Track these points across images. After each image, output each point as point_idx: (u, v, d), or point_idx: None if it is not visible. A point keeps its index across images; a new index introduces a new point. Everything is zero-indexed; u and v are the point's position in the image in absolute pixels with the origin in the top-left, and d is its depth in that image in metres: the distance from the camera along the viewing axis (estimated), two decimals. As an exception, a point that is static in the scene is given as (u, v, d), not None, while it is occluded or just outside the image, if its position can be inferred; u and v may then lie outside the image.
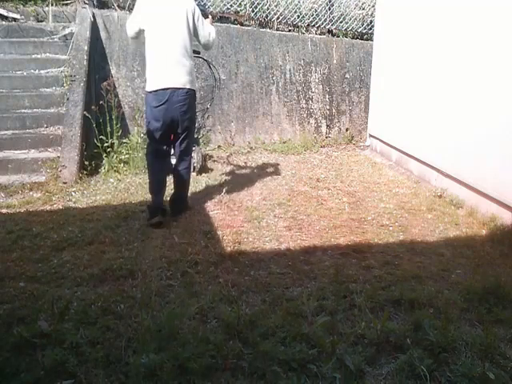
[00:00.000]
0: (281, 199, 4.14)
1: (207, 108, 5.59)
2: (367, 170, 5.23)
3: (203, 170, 4.98)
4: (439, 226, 3.63)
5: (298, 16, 6.46)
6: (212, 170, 5.08)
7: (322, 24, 6.56)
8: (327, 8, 6.56)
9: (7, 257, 2.95)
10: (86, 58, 5.19)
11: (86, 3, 5.65)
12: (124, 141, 4.99)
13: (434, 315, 2.33)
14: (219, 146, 6.00)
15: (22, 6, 5.82)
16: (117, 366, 1.93)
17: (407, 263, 2.98)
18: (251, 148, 6.09)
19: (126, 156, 4.86)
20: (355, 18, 6.73)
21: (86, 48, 5.24)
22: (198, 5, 5.84)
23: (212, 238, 3.30)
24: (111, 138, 4.83)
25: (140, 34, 3.59)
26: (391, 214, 3.85)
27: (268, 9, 6.26)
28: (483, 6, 3.82)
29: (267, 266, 2.92)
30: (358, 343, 2.11)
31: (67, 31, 5.57)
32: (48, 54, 5.54)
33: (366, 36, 6.85)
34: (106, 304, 2.40)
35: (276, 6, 6.27)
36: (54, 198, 4.02)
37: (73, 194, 4.15)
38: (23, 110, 5.00)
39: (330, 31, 6.69)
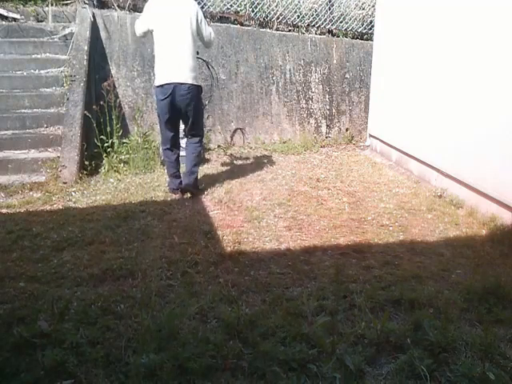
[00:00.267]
0: (281, 199, 4.14)
1: (205, 106, 5.59)
2: (367, 170, 5.22)
3: (202, 164, 5.01)
4: (439, 226, 3.63)
5: (298, 16, 6.45)
6: (212, 170, 5.08)
7: (322, 24, 6.55)
8: (327, 8, 6.56)
9: (7, 257, 2.95)
10: (86, 57, 5.19)
11: (86, 3, 5.64)
12: (124, 141, 4.99)
13: (433, 315, 2.33)
14: (219, 146, 6.00)
15: (22, 6, 5.82)
16: (117, 366, 1.93)
17: (407, 263, 2.98)
18: (251, 148, 6.09)
19: (126, 156, 4.86)
20: (355, 18, 6.73)
21: (86, 48, 5.24)
22: (197, 5, 5.87)
23: (212, 238, 3.30)
24: (111, 137, 4.83)
25: (147, 34, 4.00)
26: (391, 214, 3.85)
27: (268, 9, 6.26)
28: (483, 6, 3.82)
29: (267, 266, 2.92)
30: (358, 343, 2.11)
31: (67, 31, 5.57)
32: (48, 54, 5.54)
33: (366, 36, 6.85)
34: (105, 304, 2.40)
35: (276, 6, 6.27)
36: (54, 198, 4.02)
37: (73, 194, 4.15)
38: (23, 110, 5.00)
39: (330, 31, 6.69)
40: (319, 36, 6.56)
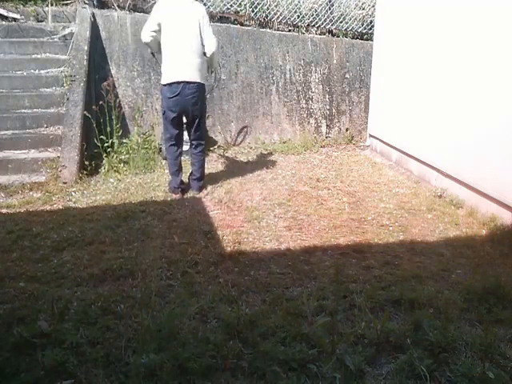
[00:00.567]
0: (281, 199, 4.14)
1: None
2: (367, 170, 5.22)
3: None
4: (439, 226, 3.63)
5: (298, 16, 6.45)
6: (212, 170, 5.08)
7: (322, 24, 6.55)
8: (327, 8, 6.55)
9: (7, 257, 2.95)
10: (86, 57, 5.19)
11: (86, 3, 5.64)
12: (124, 141, 4.99)
13: (434, 315, 2.34)
14: (219, 146, 6.00)
15: (22, 6, 5.82)
16: (117, 366, 1.94)
17: (407, 263, 2.98)
18: (251, 148, 6.09)
19: (126, 156, 4.86)
20: (355, 18, 6.73)
21: (86, 48, 5.24)
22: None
23: (212, 238, 3.30)
24: (111, 137, 4.83)
25: (155, 40, 3.93)
26: (391, 214, 3.85)
27: (268, 9, 6.26)
28: (483, 6, 3.82)
29: (267, 266, 2.92)
30: (358, 343, 2.11)
31: (67, 31, 5.57)
32: (48, 54, 5.54)
33: (366, 36, 6.85)
34: (105, 304, 2.40)
35: (276, 6, 6.27)
36: (54, 198, 4.02)
37: (73, 194, 4.15)
38: (23, 110, 5.00)
39: (330, 31, 6.69)
40: (319, 36, 6.56)
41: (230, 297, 2.48)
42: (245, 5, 6.13)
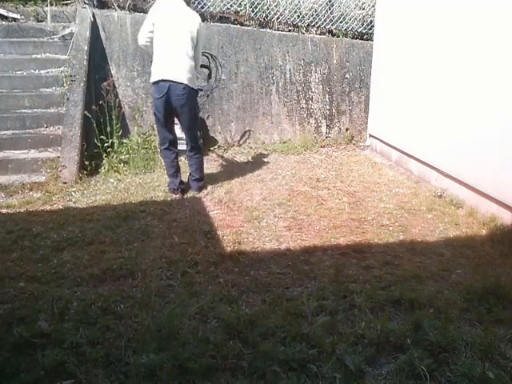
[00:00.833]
0: (281, 199, 4.14)
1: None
2: (367, 170, 5.22)
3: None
4: (439, 226, 3.63)
5: (298, 16, 6.45)
6: (212, 170, 5.08)
7: (322, 24, 6.55)
8: (327, 8, 6.55)
9: (7, 257, 2.95)
10: (86, 57, 5.19)
11: (85, 3, 5.64)
12: (124, 141, 4.99)
13: (434, 315, 2.34)
14: (219, 146, 6.00)
15: (22, 6, 5.82)
16: (117, 366, 1.94)
17: (407, 263, 2.98)
18: (251, 148, 6.09)
19: (126, 156, 4.86)
20: (355, 18, 6.72)
21: (86, 48, 5.24)
22: (197, 5, 5.86)
23: (212, 238, 3.30)
24: (111, 137, 4.83)
25: (150, 44, 3.91)
26: (391, 214, 3.85)
27: (268, 9, 6.25)
28: (483, 6, 3.82)
29: (267, 266, 2.92)
30: (358, 343, 2.11)
31: (67, 31, 5.57)
32: (48, 54, 5.54)
33: (366, 36, 6.84)
34: (105, 304, 2.40)
35: (276, 6, 6.27)
36: (54, 198, 4.02)
37: (73, 193, 4.15)
38: (23, 110, 5.00)
39: (330, 31, 6.68)
40: (319, 36, 6.56)
41: (230, 297, 2.48)
42: (245, 5, 6.12)
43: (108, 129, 4.81)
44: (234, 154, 5.82)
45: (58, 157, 4.51)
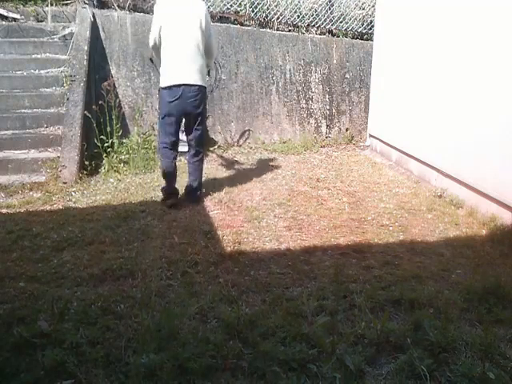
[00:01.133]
0: (281, 199, 4.14)
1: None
2: (367, 170, 5.22)
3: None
4: (439, 225, 3.63)
5: (298, 16, 6.45)
6: (212, 170, 5.08)
7: (322, 24, 6.55)
8: (327, 8, 6.55)
9: (7, 257, 2.95)
10: (86, 57, 5.19)
11: (86, 3, 5.64)
12: (124, 141, 4.99)
13: (434, 315, 2.33)
14: (219, 146, 6.00)
15: (22, 6, 5.82)
16: (117, 366, 1.93)
17: (407, 263, 2.98)
18: (251, 148, 6.09)
19: (126, 156, 4.86)
20: (355, 18, 6.72)
21: (86, 48, 5.24)
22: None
23: (212, 238, 3.30)
24: (111, 137, 4.83)
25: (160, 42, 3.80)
26: (391, 214, 3.85)
27: (268, 9, 6.26)
28: (483, 6, 3.82)
29: (267, 266, 2.92)
30: (358, 343, 2.11)
31: (67, 31, 5.57)
32: (48, 54, 5.54)
33: (366, 36, 6.84)
34: (105, 304, 2.40)
35: (276, 6, 6.27)
36: (54, 198, 4.02)
37: (73, 194, 4.15)
38: (23, 110, 5.00)
39: (330, 31, 6.68)
40: (319, 36, 6.56)
41: (230, 297, 2.48)
42: (245, 5, 6.13)
43: (108, 129, 4.81)
44: (234, 154, 5.83)
45: (58, 157, 4.51)
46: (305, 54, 6.40)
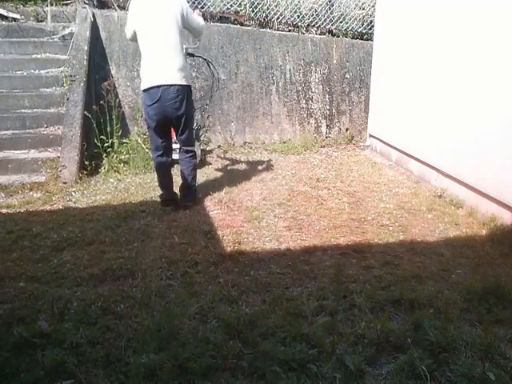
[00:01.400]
0: (281, 199, 4.14)
1: (206, 105, 5.59)
2: (367, 170, 5.22)
3: (202, 165, 5.03)
4: (439, 225, 3.63)
5: (298, 16, 6.45)
6: (212, 170, 5.08)
7: (322, 24, 6.55)
8: (327, 8, 6.55)
9: (7, 257, 2.95)
10: (86, 57, 5.19)
11: (86, 3, 5.65)
12: (124, 141, 4.99)
13: (434, 315, 2.33)
14: (219, 146, 6.00)
15: (22, 6, 5.82)
16: (117, 366, 1.93)
17: (407, 263, 2.97)
18: (251, 148, 6.09)
19: (126, 156, 4.86)
20: (355, 18, 6.73)
21: (86, 48, 5.24)
22: (198, 5, 5.85)
23: (212, 238, 3.30)
24: (111, 137, 4.83)
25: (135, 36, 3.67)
26: (391, 214, 3.85)
27: (268, 9, 6.26)
28: (483, 6, 3.82)
29: (267, 266, 2.92)
30: (358, 343, 2.11)
31: (67, 31, 5.57)
32: (48, 54, 5.54)
33: (366, 36, 6.84)
34: (105, 304, 2.40)
35: (276, 6, 6.27)
36: (54, 198, 4.02)
37: (73, 193, 4.15)
38: (23, 110, 5.00)
39: (330, 31, 6.69)
40: (319, 36, 6.56)
41: (230, 297, 2.48)
42: (245, 5, 6.13)
43: (108, 129, 4.81)
44: (234, 153, 5.83)
45: (58, 157, 4.51)
46: (305, 54, 6.40)
